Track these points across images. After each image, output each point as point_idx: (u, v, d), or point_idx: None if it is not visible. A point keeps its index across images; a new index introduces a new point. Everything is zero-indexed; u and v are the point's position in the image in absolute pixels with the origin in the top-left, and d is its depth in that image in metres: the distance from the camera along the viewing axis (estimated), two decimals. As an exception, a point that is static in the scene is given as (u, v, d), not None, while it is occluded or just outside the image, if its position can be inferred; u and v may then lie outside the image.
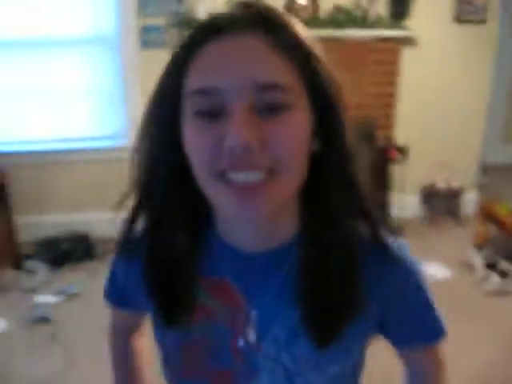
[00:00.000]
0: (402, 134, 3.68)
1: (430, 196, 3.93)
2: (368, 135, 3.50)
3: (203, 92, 0.54)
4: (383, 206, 3.62)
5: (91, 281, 3.00)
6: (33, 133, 3.45)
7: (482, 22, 3.64)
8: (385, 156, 3.54)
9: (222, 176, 0.55)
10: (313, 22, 3.15)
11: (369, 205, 0.64)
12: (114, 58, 3.32)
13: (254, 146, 0.52)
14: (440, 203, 3.93)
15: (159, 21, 3.19)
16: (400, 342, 0.73)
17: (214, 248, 0.67)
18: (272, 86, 0.53)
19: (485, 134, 4.86)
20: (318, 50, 0.59)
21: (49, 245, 3.26)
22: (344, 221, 0.62)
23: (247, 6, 0.58)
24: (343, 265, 0.62)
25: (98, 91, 3.42)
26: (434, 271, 3.17)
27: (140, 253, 0.68)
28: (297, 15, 3.15)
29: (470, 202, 3.91)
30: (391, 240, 0.68)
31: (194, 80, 0.56)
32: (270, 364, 0.66)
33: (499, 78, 4.90)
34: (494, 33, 3.72)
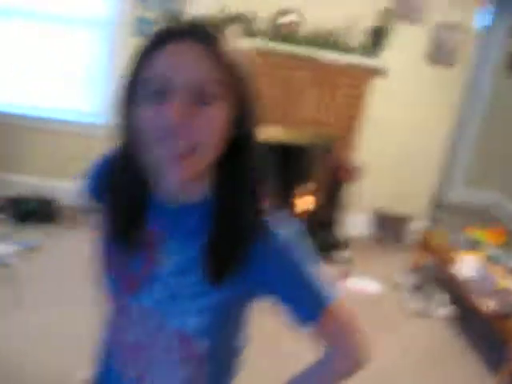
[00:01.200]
0: (362, 157, 3.91)
1: (380, 218, 4.21)
2: (325, 154, 3.73)
3: (158, 78, 0.73)
4: (331, 222, 3.88)
5: (47, 240, 3.24)
6: (13, 96, 3.68)
7: (452, 65, 3.92)
8: (338, 175, 3.78)
9: (160, 142, 0.74)
10: (291, 38, 3.42)
11: (263, 188, 0.84)
12: (106, 42, 3.57)
13: (183, 125, 0.72)
14: (389, 226, 4.20)
15: (154, 14, 3.44)
16: (295, 318, 0.86)
17: (151, 203, 0.89)
18: (204, 82, 0.73)
19: (447, 175, 5.18)
20: (243, 59, 0.79)
21: (16, 202, 3.48)
22: (244, 191, 0.82)
23: (195, 23, 0.80)
24: (241, 221, 0.82)
25: (83, 69, 3.67)
26: (366, 285, 3.46)
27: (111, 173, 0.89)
28: (278, 30, 3.41)
29: (416, 230, 4.19)
30: (281, 220, 0.84)
31: (153, 69, 0.75)
32: (164, 280, 0.86)
33: (465, 122, 5.23)
34: (464, 76, 4.02)
